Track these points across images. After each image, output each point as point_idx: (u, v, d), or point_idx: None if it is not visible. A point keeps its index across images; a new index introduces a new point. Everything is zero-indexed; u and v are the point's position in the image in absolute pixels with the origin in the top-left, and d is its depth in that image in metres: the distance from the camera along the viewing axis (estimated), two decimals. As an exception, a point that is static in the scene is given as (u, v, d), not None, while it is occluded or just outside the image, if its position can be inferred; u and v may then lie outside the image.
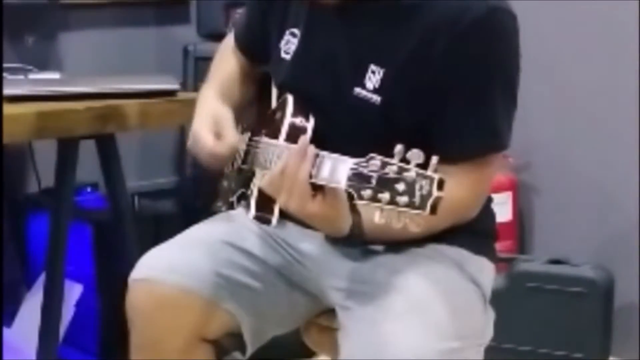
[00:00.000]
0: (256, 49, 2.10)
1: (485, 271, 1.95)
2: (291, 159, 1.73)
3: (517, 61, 1.85)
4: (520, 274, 3.10)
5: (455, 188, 1.74)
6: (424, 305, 1.80)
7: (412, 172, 1.54)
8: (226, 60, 2.16)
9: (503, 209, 3.39)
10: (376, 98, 1.84)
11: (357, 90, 1.85)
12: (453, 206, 1.75)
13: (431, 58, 1.79)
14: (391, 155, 1.58)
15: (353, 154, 1.67)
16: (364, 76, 1.85)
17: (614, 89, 3.30)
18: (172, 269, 1.94)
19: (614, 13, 3.26)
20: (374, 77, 1.84)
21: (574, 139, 3.42)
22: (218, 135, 1.95)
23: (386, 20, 1.84)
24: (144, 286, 1.94)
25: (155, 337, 1.94)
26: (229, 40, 2.20)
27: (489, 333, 1.93)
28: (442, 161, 1.69)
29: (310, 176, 1.71)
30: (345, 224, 1.79)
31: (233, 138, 1.94)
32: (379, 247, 1.90)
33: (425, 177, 1.54)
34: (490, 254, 1.98)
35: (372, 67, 1.84)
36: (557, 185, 3.49)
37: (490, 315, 1.95)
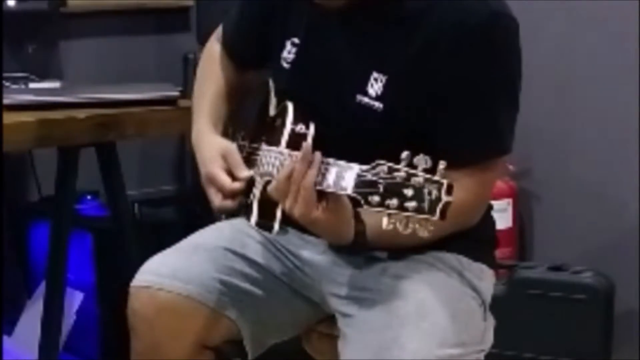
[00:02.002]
0: (248, 56, 2.09)
1: (485, 278, 1.95)
2: (297, 165, 1.73)
3: (518, 66, 1.85)
4: (520, 281, 3.10)
5: (459, 192, 1.75)
6: (424, 312, 1.80)
7: (420, 178, 1.54)
8: (211, 78, 2.15)
9: (503, 216, 3.39)
10: (378, 105, 1.84)
11: (359, 97, 1.85)
12: (457, 211, 1.76)
13: (433, 64, 1.80)
14: (394, 162, 1.58)
15: (355, 161, 1.67)
16: (366, 83, 1.85)
17: (615, 95, 3.30)
18: (174, 276, 1.94)
19: (615, 15, 3.27)
20: (376, 84, 1.84)
21: (574, 146, 3.43)
22: (229, 173, 1.95)
23: (388, 27, 1.85)
24: (146, 293, 1.94)
25: (156, 344, 1.94)
26: (210, 48, 2.18)
27: (488, 339, 1.93)
28: (446, 166, 1.71)
29: (316, 183, 1.71)
30: (348, 233, 1.79)
31: (246, 173, 1.93)
32: (382, 254, 1.90)
33: (434, 182, 1.54)
34: (489, 260, 1.98)
35: (375, 74, 1.84)
36: (557, 192, 3.48)
37: (490, 321, 1.95)
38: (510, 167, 3.38)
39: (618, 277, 3.13)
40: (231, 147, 1.99)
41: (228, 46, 2.14)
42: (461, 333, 1.81)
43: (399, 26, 1.83)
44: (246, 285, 1.96)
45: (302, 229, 1.92)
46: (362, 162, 1.64)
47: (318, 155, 1.72)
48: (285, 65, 1.97)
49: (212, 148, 2.01)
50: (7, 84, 2.91)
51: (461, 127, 1.82)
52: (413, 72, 1.81)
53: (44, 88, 2.93)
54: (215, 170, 1.95)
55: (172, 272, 1.94)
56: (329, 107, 1.89)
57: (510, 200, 3.43)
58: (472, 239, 1.91)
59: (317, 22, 1.93)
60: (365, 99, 1.85)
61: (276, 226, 1.90)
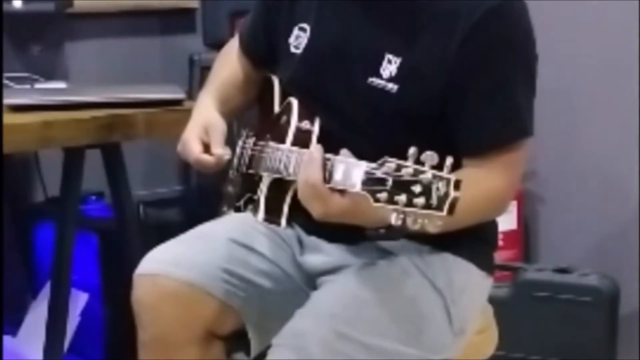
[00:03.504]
0: (260, 52, 2.10)
1: (470, 278, 1.93)
2: (303, 169, 1.73)
3: (533, 48, 1.86)
4: (525, 283, 3.10)
5: (490, 177, 1.79)
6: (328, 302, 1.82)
7: (428, 174, 1.54)
8: (227, 65, 2.16)
9: (508, 218, 3.39)
10: (393, 86, 1.84)
11: (372, 79, 1.85)
12: (490, 196, 1.79)
13: (448, 48, 1.81)
14: (405, 150, 1.58)
15: (366, 149, 1.67)
16: (379, 65, 1.85)
17: (620, 96, 3.30)
18: (176, 263, 1.93)
19: (616, 19, 3.26)
20: (389, 67, 1.84)
21: (578, 148, 3.42)
22: (207, 145, 1.97)
23: (401, 10, 1.85)
24: (148, 280, 1.94)
25: (160, 331, 1.93)
26: (232, 43, 2.20)
27: (453, 351, 1.90)
28: (471, 153, 1.76)
29: (325, 180, 1.70)
30: (383, 215, 1.74)
31: (219, 150, 1.95)
32: (393, 248, 1.90)
33: (442, 178, 1.54)
34: (484, 261, 1.97)
35: (388, 56, 1.84)
36: (562, 195, 3.48)
37: (460, 337, 1.92)
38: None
39: (623, 279, 3.13)
40: (218, 122, 2.00)
41: (243, 43, 2.15)
42: (398, 330, 1.80)
43: (412, 8, 1.84)
44: (250, 275, 1.96)
45: (308, 229, 1.92)
46: (374, 149, 1.63)
47: (317, 155, 1.71)
48: (294, 51, 1.97)
49: (201, 117, 2.03)
50: (12, 84, 2.92)
51: (483, 109, 1.82)
52: (428, 54, 1.82)
53: (49, 89, 2.93)
54: (190, 137, 1.98)
55: (174, 259, 1.94)
56: (340, 91, 1.89)
57: (515, 203, 3.43)
58: (470, 238, 1.91)
59: (326, 7, 1.93)
60: (379, 81, 1.85)
61: (283, 221, 1.91)
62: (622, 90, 3.28)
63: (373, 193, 1.58)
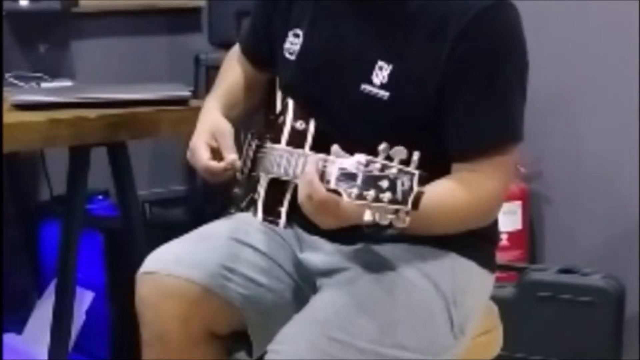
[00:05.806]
0: (260, 53, 2.10)
1: (472, 277, 1.93)
2: (300, 185, 1.72)
3: (524, 54, 1.86)
4: (530, 283, 3.10)
5: (482, 182, 1.80)
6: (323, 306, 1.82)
7: (394, 169, 1.56)
8: (231, 69, 2.17)
9: (513, 218, 3.39)
10: (384, 93, 1.85)
11: (364, 86, 1.86)
12: (483, 199, 1.81)
13: (439, 53, 1.81)
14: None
15: (360, 153, 1.67)
16: (371, 72, 1.85)
17: (625, 97, 3.30)
18: (177, 262, 1.94)
19: (618, 20, 3.26)
20: (381, 73, 1.85)
21: (584, 148, 3.42)
22: (215, 151, 1.98)
23: (392, 17, 1.86)
24: (150, 279, 1.95)
25: (162, 329, 1.93)
26: (236, 48, 2.21)
27: (453, 353, 1.89)
28: (463, 158, 1.78)
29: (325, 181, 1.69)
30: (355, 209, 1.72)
31: (232, 156, 1.96)
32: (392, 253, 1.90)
33: (407, 173, 1.56)
34: (486, 259, 1.96)
35: (380, 63, 1.85)
36: (567, 195, 3.48)
37: (461, 340, 1.90)
38: (521, 169, 3.38)
39: (628, 279, 3.13)
40: (225, 127, 2.01)
41: (243, 45, 2.16)
42: (388, 331, 1.79)
43: (403, 15, 1.84)
44: (251, 273, 1.96)
45: (308, 228, 1.93)
46: (368, 154, 1.63)
47: (313, 171, 1.70)
48: (288, 56, 1.98)
49: (208, 123, 2.03)
50: (19, 83, 2.93)
51: (475, 114, 1.83)
52: (419, 61, 1.82)
53: (55, 87, 2.94)
54: (198, 144, 1.99)
55: (176, 258, 1.95)
56: (333, 98, 1.90)
57: (520, 203, 3.43)
58: (470, 235, 1.90)
59: (320, 14, 1.94)
60: (370, 88, 1.86)
61: (282, 222, 1.92)
62: (624, 91, 3.28)
63: (346, 189, 1.60)
